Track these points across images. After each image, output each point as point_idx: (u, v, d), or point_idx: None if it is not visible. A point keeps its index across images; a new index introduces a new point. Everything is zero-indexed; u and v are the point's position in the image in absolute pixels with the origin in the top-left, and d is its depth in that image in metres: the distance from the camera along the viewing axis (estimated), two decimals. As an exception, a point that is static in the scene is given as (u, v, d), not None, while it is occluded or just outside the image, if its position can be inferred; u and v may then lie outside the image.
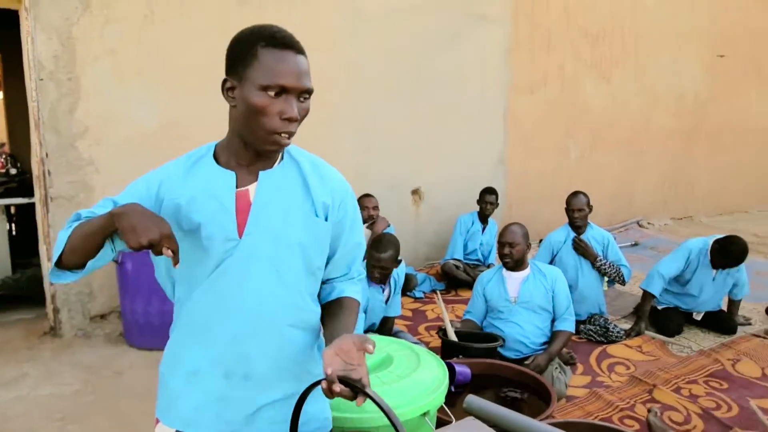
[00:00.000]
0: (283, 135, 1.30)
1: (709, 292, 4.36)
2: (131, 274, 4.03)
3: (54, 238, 4.11)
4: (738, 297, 4.52)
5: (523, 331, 3.60)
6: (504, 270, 3.72)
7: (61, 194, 4.16)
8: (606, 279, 5.40)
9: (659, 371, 3.78)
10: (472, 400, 2.65)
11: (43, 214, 4.21)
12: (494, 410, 2.60)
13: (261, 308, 1.38)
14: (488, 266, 5.35)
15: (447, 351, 3.42)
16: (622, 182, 7.39)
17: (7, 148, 8.47)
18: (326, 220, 1.43)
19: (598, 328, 4.24)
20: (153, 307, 4.04)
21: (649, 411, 3.15)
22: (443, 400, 2.11)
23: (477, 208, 5.59)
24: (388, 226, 4.90)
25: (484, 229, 5.56)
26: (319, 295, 1.52)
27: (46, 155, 4.11)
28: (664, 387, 3.56)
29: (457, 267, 5.28)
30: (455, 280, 5.21)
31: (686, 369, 3.84)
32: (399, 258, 3.83)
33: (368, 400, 1.17)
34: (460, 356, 3.30)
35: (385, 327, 3.84)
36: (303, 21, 4.87)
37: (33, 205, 4.40)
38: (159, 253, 1.20)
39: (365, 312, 3.66)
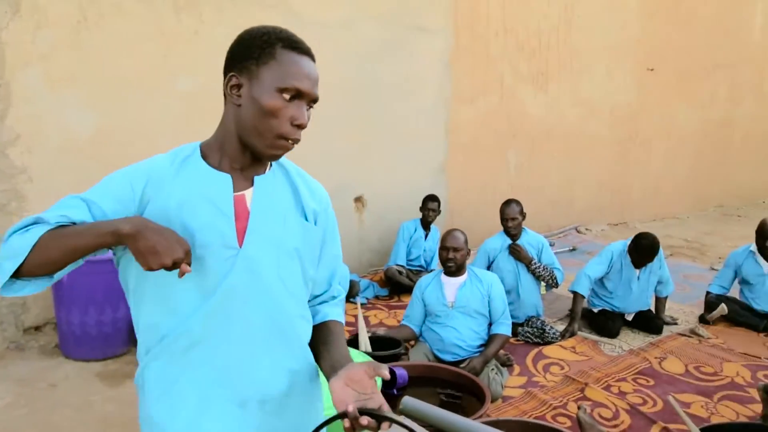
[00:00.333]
0: (290, 141, 1.25)
1: (636, 291, 4.58)
2: (67, 284, 3.94)
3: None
4: (663, 294, 4.75)
5: (460, 334, 3.69)
6: (442, 275, 3.81)
7: (-9, 203, 4.05)
8: (543, 283, 5.58)
9: (591, 370, 3.94)
10: (407, 401, 2.72)
11: (-27, 223, 4.08)
12: (429, 410, 2.67)
13: (272, 323, 1.29)
14: (431, 272, 5.45)
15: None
16: (561, 190, 7.63)
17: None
18: (315, 225, 1.39)
19: (535, 330, 4.37)
20: (90, 317, 3.96)
21: (579, 408, 3.28)
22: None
23: (419, 215, 5.69)
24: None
25: (426, 236, 5.66)
26: None
27: (-24, 163, 3.99)
28: (596, 385, 3.71)
29: (401, 272, 5.36)
30: (398, 285, 5.29)
31: (616, 368, 4.00)
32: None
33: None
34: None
35: None
36: (240, 27, 4.87)
37: (-38, 214, 4.26)
38: (172, 269, 1.11)
39: None
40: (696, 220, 9.06)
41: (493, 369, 3.59)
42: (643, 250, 4.43)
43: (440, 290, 3.75)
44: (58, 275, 1.20)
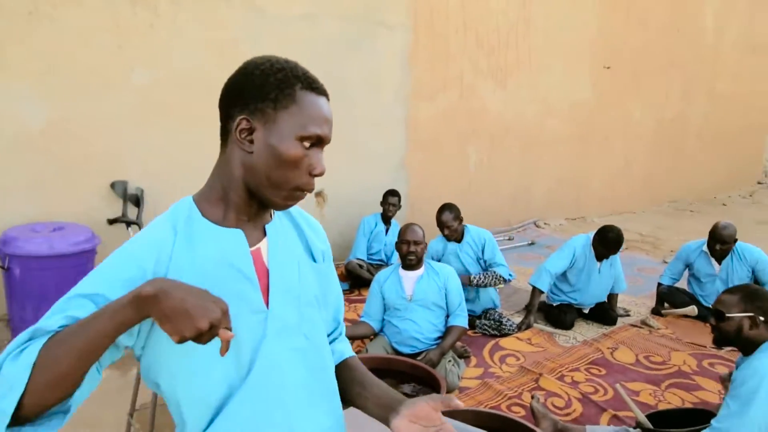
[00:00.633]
0: (305, 192, 1.14)
1: (596, 284, 4.69)
2: (19, 280, 3.86)
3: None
4: (616, 291, 4.87)
5: (418, 327, 3.74)
6: (400, 269, 3.85)
7: (-61, 198, 3.95)
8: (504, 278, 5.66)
9: (546, 361, 4.03)
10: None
11: None
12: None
13: (309, 382, 1.20)
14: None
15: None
16: (520, 185, 7.76)
17: None
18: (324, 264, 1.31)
19: (492, 322, 4.45)
20: (44, 313, 3.89)
21: (532, 398, 3.36)
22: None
23: (380, 209, 5.73)
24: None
25: (387, 230, 5.70)
26: None
27: None
28: (550, 375, 3.81)
29: (361, 266, 5.39)
30: (359, 279, 5.31)
31: (570, 358, 4.11)
32: None
33: None
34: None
35: None
36: (198, 21, 4.84)
37: None
38: (209, 339, 0.94)
39: None
40: (650, 214, 9.30)
41: (450, 361, 3.65)
42: (609, 242, 4.53)
43: (399, 284, 3.80)
44: (76, 401, 0.99)
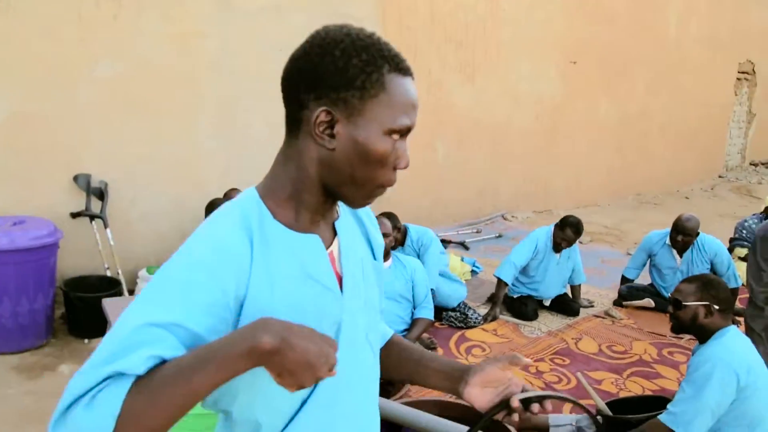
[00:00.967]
0: (386, 188, 1.01)
1: (553, 276, 4.77)
2: (-14, 275, 3.79)
3: None
4: (576, 282, 4.96)
5: (384, 318, 3.75)
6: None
7: None
8: (470, 269, 5.73)
9: (511, 352, 4.09)
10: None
11: None
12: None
13: (372, 392, 1.14)
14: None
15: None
16: (488, 178, 7.83)
17: None
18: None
19: (458, 314, 4.50)
20: (5, 309, 3.82)
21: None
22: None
23: (349, 203, 5.72)
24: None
25: (355, 224, 5.70)
26: None
27: None
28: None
29: (329, 261, 5.38)
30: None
31: (535, 348, 4.18)
32: None
33: None
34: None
35: None
36: (163, 15, 4.78)
37: None
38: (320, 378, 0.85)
39: None
40: (615, 207, 9.47)
41: (416, 352, 3.68)
42: (570, 226, 4.62)
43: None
44: None
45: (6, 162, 4.19)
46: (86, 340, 4.04)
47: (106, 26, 4.50)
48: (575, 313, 4.78)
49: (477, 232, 7.31)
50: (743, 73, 12.32)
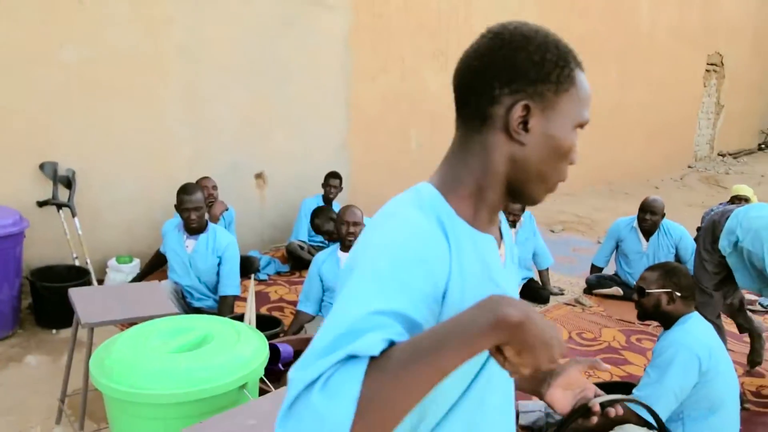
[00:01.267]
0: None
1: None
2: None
3: None
4: (543, 266, 5.02)
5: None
6: (338, 251, 3.86)
7: None
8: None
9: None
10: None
11: None
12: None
13: (509, 396, 1.11)
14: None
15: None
16: (461, 168, 7.85)
17: None
18: None
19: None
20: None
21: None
22: (262, 372, 2.19)
23: (322, 191, 5.72)
24: (226, 209, 4.90)
25: (328, 213, 5.69)
26: None
27: None
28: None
29: (302, 248, 5.37)
30: (300, 260, 5.29)
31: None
32: None
33: None
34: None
35: None
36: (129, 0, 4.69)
37: None
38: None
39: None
40: (588, 196, 9.58)
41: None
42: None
43: (337, 265, 3.81)
44: None
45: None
46: (54, 331, 3.98)
47: (70, 9, 4.41)
48: (545, 301, 4.84)
49: (450, 220, 7.34)
50: (712, 65, 12.52)
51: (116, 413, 2.12)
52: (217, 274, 4.01)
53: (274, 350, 2.85)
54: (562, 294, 5.10)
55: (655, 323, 3.48)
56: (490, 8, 7.62)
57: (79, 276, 4.21)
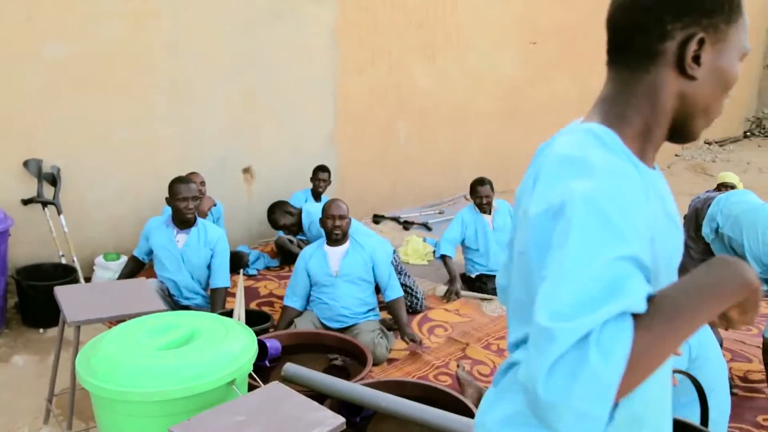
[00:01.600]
0: None
1: (494, 245, 4.80)
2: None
3: None
4: None
5: (346, 302, 3.75)
6: (325, 245, 3.84)
7: None
8: (432, 250, 5.75)
9: (473, 331, 4.14)
10: (289, 367, 2.77)
11: None
12: (310, 376, 2.74)
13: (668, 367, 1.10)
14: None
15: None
16: (449, 160, 7.85)
17: None
18: None
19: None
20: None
21: (458, 366, 3.45)
22: (251, 368, 2.18)
23: (310, 185, 5.70)
24: (214, 204, 4.86)
25: (317, 207, 5.67)
26: None
27: None
28: (477, 345, 3.91)
29: (291, 242, 5.35)
30: (289, 254, 5.26)
31: (496, 327, 4.23)
32: None
33: None
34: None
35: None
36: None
37: None
38: None
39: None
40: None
41: (378, 333, 3.68)
42: (476, 183, 4.84)
43: (324, 260, 3.79)
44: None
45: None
46: (41, 330, 3.94)
47: (55, 5, 4.35)
48: (535, 290, 4.84)
49: (439, 213, 7.34)
50: (698, 53, 12.56)
51: (104, 412, 2.10)
52: (208, 267, 3.99)
53: (261, 346, 2.84)
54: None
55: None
56: (476, 1, 7.60)
57: (66, 274, 4.17)
